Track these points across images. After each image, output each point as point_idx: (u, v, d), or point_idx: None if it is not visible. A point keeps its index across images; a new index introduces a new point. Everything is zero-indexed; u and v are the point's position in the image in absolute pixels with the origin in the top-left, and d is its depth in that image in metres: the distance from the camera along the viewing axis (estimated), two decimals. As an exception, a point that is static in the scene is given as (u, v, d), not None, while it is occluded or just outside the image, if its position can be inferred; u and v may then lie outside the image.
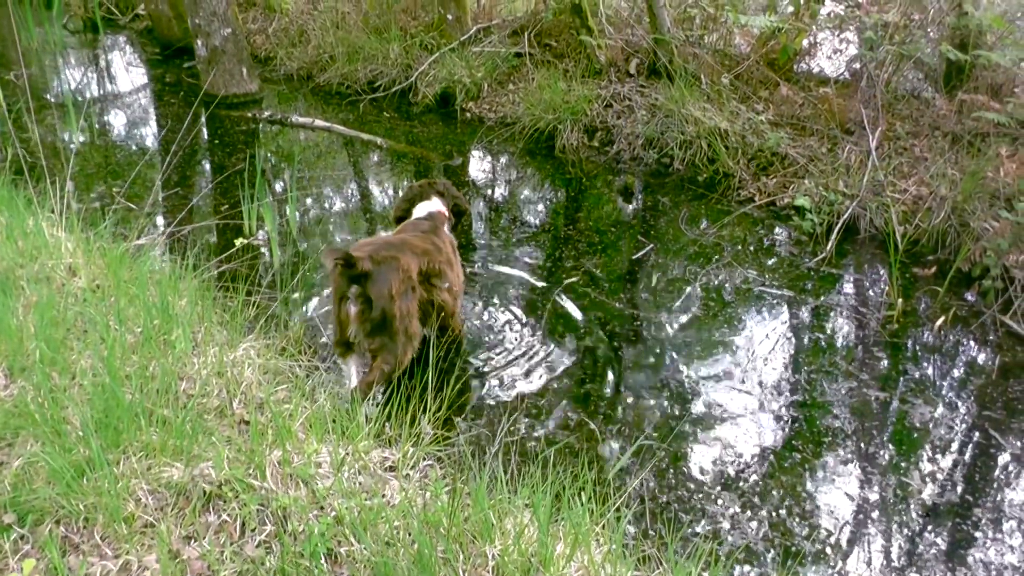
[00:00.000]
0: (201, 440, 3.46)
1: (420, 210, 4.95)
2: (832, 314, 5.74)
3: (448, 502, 3.18)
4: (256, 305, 4.89)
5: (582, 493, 3.21)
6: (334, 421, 3.72)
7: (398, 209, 5.12)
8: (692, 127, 8.11)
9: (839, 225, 6.76)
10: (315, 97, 10.03)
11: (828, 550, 3.76)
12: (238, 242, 5.69)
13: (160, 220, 6.27)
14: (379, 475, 3.54)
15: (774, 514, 3.94)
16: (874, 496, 4.09)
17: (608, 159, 8.22)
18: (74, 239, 4.96)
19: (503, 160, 8.42)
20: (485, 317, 5.36)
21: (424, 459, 3.75)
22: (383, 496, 3.40)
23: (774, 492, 4.07)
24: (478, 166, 8.38)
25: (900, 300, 5.77)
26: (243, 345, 4.37)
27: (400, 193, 5.52)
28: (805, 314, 5.73)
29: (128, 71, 11.26)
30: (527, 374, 4.80)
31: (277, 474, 3.35)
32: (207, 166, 7.56)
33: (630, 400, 4.66)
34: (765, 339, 5.35)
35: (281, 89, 10.29)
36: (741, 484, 4.11)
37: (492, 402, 4.55)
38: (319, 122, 8.74)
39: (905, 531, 3.89)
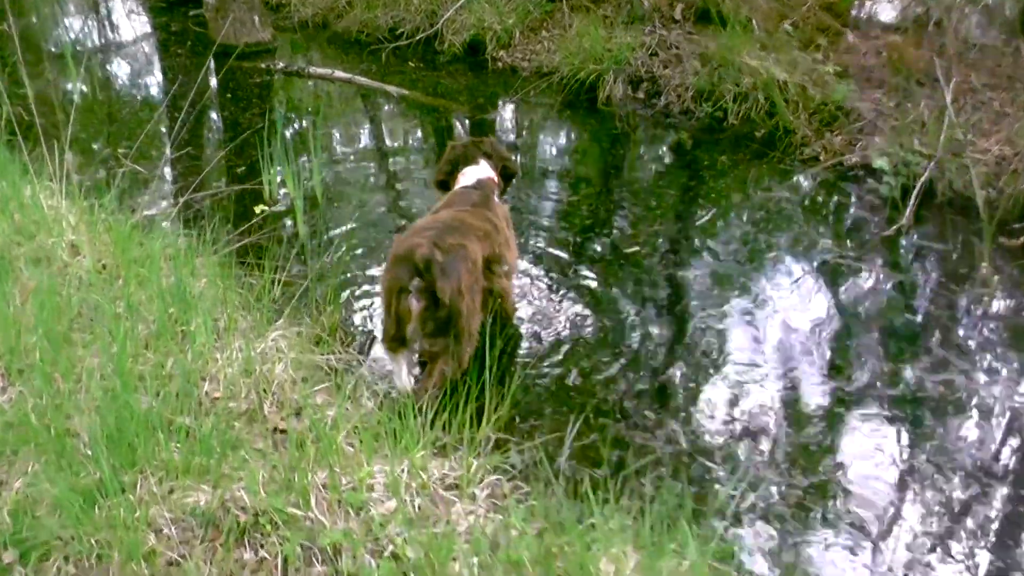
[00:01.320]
0: (231, 456, 2.98)
1: (467, 176, 4.40)
2: (919, 290, 5.21)
3: (532, 536, 2.70)
4: (281, 284, 4.37)
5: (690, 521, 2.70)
6: (385, 431, 3.23)
7: (440, 173, 4.59)
8: (748, 78, 7.50)
9: (917, 189, 6.19)
10: (332, 46, 9.40)
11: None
12: (258, 210, 5.19)
13: (170, 186, 5.74)
14: (441, 495, 3.06)
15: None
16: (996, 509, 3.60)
17: (656, 113, 7.64)
18: (76, 211, 4.45)
19: (541, 114, 7.84)
20: (538, 297, 4.84)
21: (489, 472, 3.26)
22: (446, 521, 2.92)
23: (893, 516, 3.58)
24: (514, 121, 7.81)
25: (996, 276, 5.24)
26: (272, 334, 3.88)
27: (440, 154, 5.00)
28: (890, 289, 5.20)
29: (130, 20, 10.64)
30: (591, 363, 4.30)
31: (323, 499, 2.87)
32: (219, 123, 7.00)
33: (712, 394, 4.16)
34: (851, 320, 4.84)
35: (295, 38, 9.67)
36: (855, 505, 3.61)
37: (551, 397, 4.06)
38: (339, 73, 8.15)
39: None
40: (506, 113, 7.96)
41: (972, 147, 6.54)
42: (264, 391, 3.51)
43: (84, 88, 7.55)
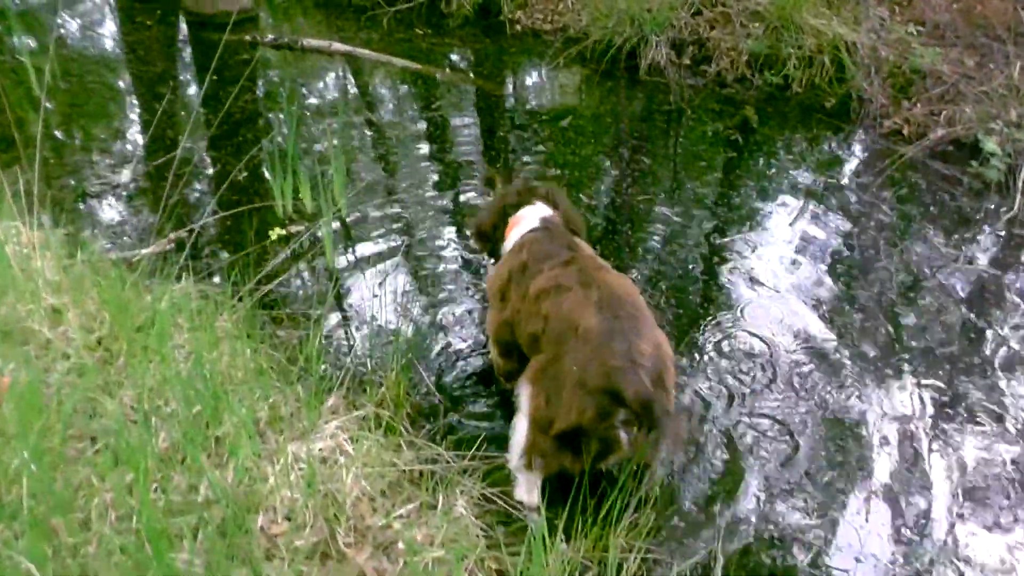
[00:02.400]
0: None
1: (527, 219, 3.51)
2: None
3: None
4: (319, 341, 3.48)
5: None
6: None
7: (490, 221, 3.66)
8: (810, 39, 6.64)
9: (1023, 168, 5.41)
10: (322, 12, 8.28)
11: None
12: (274, 235, 4.26)
13: (153, 207, 4.73)
14: None
15: None
16: None
17: (708, 82, 6.74)
18: (53, 260, 3.50)
19: (573, 85, 6.88)
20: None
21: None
22: None
23: None
24: (546, 97, 6.85)
25: None
26: (329, 426, 3.00)
27: (489, 195, 4.17)
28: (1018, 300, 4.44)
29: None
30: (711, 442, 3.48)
31: None
32: (202, 113, 5.96)
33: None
34: (988, 344, 4.08)
35: (279, 2, 8.54)
36: None
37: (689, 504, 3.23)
38: (337, 45, 7.12)
39: None
40: (533, 87, 7.00)
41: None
42: (335, 516, 2.65)
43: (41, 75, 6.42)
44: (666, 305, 4.23)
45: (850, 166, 5.75)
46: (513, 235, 3.48)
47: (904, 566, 2.99)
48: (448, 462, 3.01)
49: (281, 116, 5.82)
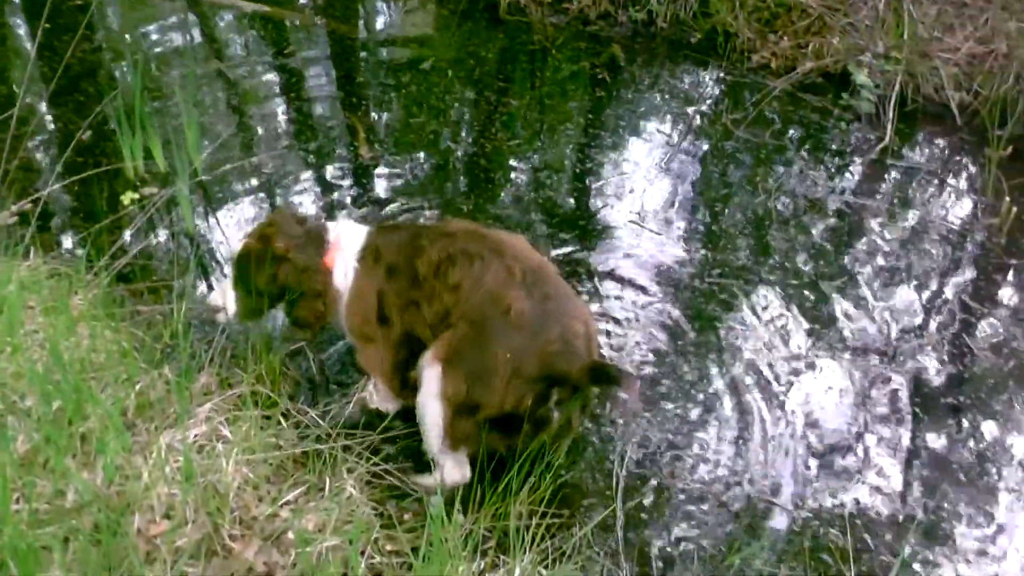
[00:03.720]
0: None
1: (347, 231, 3.12)
2: (930, 231, 4.68)
3: None
4: (183, 315, 3.28)
5: None
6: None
7: (307, 279, 2.99)
8: (675, -29, 6.63)
9: (892, 99, 5.60)
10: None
11: None
12: (126, 199, 4.01)
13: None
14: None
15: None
16: None
17: (571, 20, 6.63)
18: None
19: (431, 25, 6.66)
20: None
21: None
22: None
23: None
24: (400, 37, 6.61)
25: (1011, 206, 4.75)
26: (202, 409, 2.86)
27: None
28: (902, 233, 4.65)
29: None
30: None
31: None
32: (36, 65, 5.49)
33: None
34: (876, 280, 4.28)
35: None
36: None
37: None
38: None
39: None
40: (388, 28, 6.75)
41: (939, 46, 6.00)
42: (218, 509, 2.53)
43: None
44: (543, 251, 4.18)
45: (720, 102, 5.81)
46: (342, 258, 3.02)
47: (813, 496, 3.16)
48: (332, 439, 2.90)
49: (124, 68, 5.43)
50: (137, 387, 2.84)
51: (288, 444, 2.85)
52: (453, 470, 2.95)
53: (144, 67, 5.01)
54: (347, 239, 3.03)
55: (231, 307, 3.05)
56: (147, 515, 2.46)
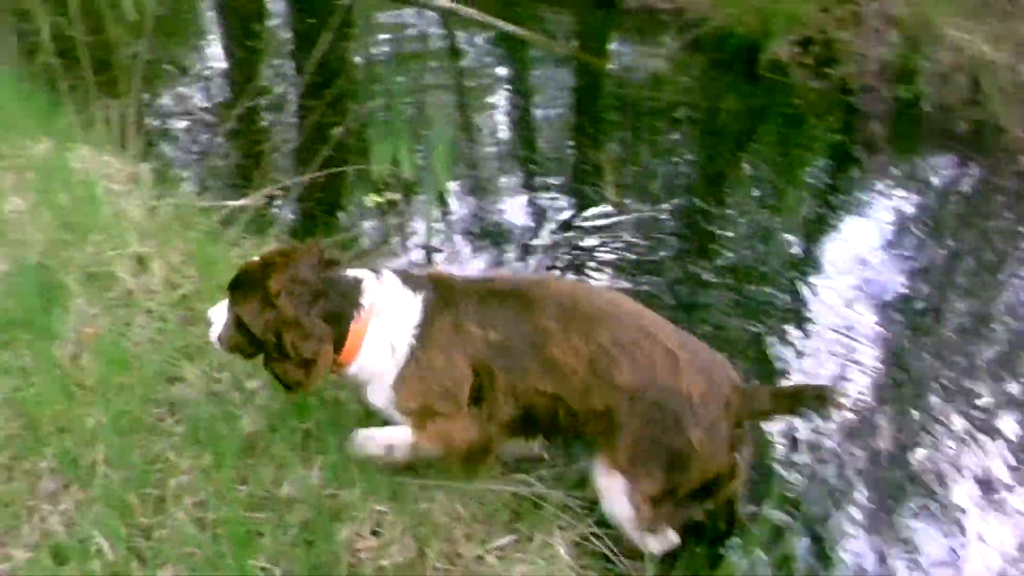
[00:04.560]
0: None
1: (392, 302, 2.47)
2: None
3: None
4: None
5: None
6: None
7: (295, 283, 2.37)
8: (947, 53, 6.23)
9: None
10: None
11: None
12: (371, 202, 4.05)
13: (234, 159, 4.48)
14: None
15: None
16: None
17: (831, 87, 6.35)
18: (141, 202, 3.31)
19: (686, 72, 6.53)
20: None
21: None
22: None
23: None
24: (649, 79, 6.51)
25: None
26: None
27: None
28: None
29: None
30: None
31: None
32: (293, 51, 5.69)
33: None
34: None
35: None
36: None
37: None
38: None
39: None
40: (638, 66, 6.67)
41: None
42: (426, 537, 2.43)
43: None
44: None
45: (980, 205, 5.36)
46: (384, 328, 2.41)
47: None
48: (546, 494, 2.73)
49: (379, 70, 5.58)
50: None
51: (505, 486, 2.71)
52: (658, 544, 2.73)
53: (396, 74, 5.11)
54: (394, 304, 2.44)
55: (217, 329, 2.47)
56: (355, 526, 2.38)
